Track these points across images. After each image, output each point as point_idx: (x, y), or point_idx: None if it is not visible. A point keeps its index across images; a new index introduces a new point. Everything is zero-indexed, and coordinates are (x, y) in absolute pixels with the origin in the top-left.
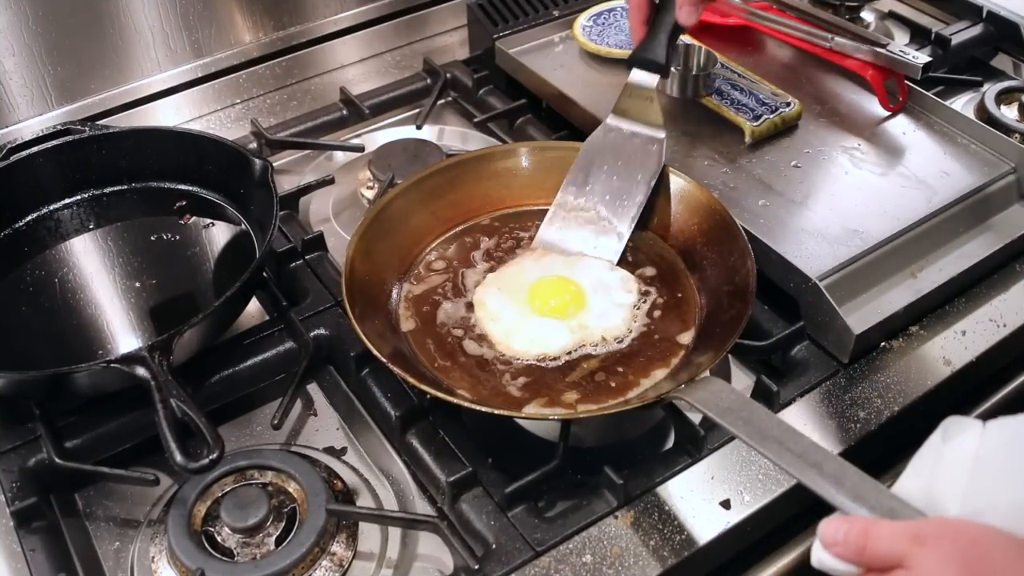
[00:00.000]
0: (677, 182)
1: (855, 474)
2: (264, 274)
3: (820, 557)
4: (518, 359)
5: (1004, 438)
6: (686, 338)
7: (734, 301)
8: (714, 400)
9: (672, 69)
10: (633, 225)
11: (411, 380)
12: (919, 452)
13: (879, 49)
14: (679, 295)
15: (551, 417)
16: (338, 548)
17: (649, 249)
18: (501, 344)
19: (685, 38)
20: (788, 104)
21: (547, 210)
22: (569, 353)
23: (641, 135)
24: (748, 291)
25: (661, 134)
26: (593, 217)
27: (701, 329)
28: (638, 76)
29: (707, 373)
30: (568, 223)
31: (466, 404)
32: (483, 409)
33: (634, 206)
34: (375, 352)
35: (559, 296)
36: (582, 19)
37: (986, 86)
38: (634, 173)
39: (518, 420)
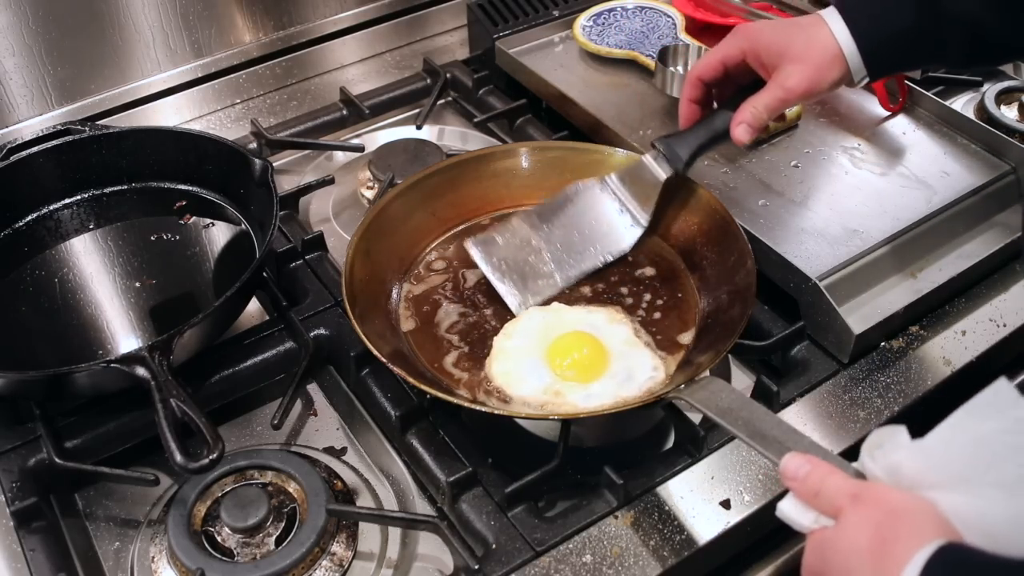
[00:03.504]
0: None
1: (855, 474)
2: (264, 274)
3: (783, 509)
4: (488, 381)
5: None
6: (686, 338)
7: (734, 301)
8: (714, 400)
9: (672, 69)
10: (560, 291)
11: (411, 380)
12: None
13: None
14: (679, 295)
15: (551, 417)
16: (338, 548)
17: (649, 249)
18: (490, 356)
19: (685, 37)
20: None
21: None
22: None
23: (627, 212)
24: (749, 291)
25: (644, 222)
26: (532, 260)
27: (701, 329)
28: (653, 161)
29: (707, 373)
30: (505, 249)
31: (466, 404)
32: (483, 409)
33: (578, 271)
34: (375, 352)
35: (570, 355)
36: (582, 19)
37: (986, 86)
38: (597, 242)
39: (518, 420)
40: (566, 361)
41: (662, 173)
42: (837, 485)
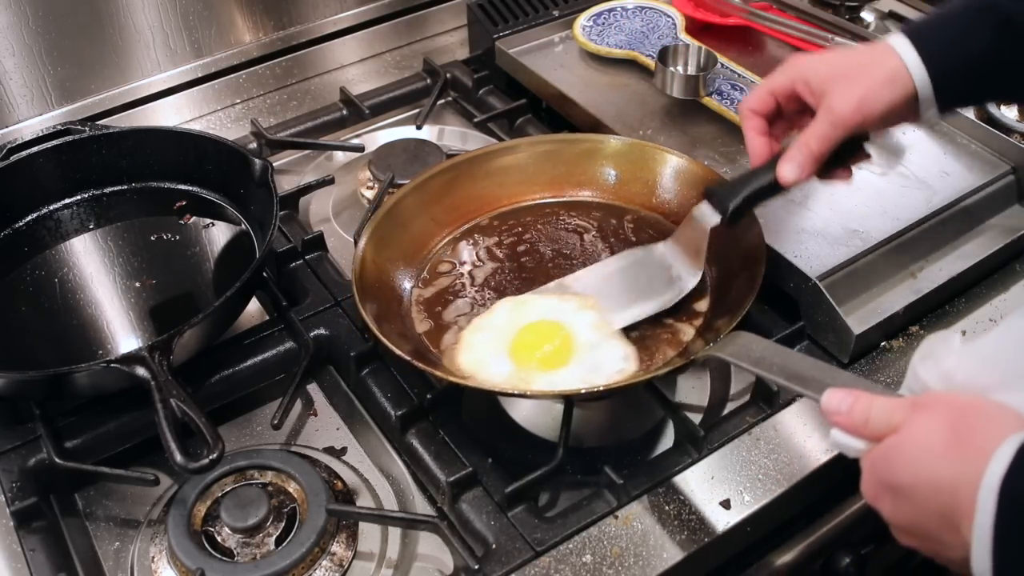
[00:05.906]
0: (673, 160)
1: None
2: (264, 274)
3: (836, 436)
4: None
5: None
6: (703, 305)
7: (745, 264)
8: (745, 351)
9: (672, 69)
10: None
11: (438, 374)
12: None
13: None
14: None
15: (582, 391)
16: (338, 548)
17: (652, 227)
18: (457, 348)
19: (685, 37)
20: None
21: (547, 204)
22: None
23: (674, 270)
24: (759, 252)
25: (692, 282)
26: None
27: (715, 296)
28: (701, 210)
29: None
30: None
31: (496, 390)
32: (514, 392)
33: (624, 321)
34: (398, 352)
35: (537, 345)
36: (582, 19)
37: None
38: (646, 297)
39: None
40: (529, 355)
41: (708, 220)
42: (887, 405)
